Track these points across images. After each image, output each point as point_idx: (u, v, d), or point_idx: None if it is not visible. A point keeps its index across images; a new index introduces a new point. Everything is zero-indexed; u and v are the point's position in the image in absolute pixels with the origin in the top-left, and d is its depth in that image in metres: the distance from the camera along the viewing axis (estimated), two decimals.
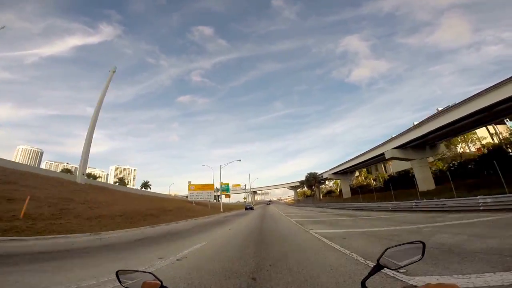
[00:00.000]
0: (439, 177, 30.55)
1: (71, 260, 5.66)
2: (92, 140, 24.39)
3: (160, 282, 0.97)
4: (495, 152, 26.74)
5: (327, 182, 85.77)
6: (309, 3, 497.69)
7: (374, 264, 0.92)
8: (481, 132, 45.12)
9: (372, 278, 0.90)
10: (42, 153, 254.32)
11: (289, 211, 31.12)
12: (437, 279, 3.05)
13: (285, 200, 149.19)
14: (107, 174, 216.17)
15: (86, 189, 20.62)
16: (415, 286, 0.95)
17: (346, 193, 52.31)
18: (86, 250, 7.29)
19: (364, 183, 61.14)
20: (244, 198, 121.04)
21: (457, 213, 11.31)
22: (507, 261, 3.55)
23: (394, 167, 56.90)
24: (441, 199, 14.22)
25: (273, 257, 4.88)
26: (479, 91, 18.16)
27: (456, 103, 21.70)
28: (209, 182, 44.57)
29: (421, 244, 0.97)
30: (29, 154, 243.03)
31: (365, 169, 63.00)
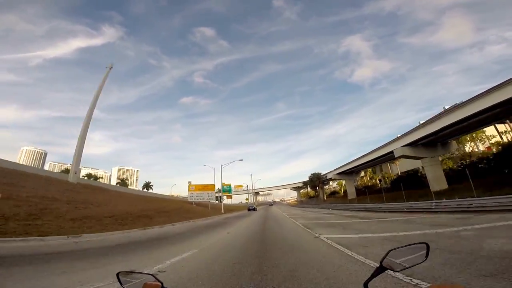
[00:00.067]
0: (450, 176, 28.91)
1: (9, 269, 4.39)
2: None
3: (160, 284, 0.97)
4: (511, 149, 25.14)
5: (330, 183, 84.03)
6: (309, 4, 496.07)
7: (377, 266, 0.90)
8: (489, 130, 43.30)
9: (375, 280, 0.85)
10: (46, 154, 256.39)
11: (293, 212, 29.67)
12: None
13: (288, 201, 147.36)
14: (110, 175, 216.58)
15: (78, 188, 19.48)
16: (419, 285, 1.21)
17: (351, 193, 50.58)
18: (49, 256, 6.06)
19: (370, 184, 59.34)
20: (246, 199, 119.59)
21: (489, 214, 9.81)
22: None
23: (401, 167, 55.09)
24: (467, 198, 12.69)
25: (278, 275, 3.54)
26: (503, 81, 16.58)
27: (475, 95, 20.07)
28: (211, 183, 43.34)
29: (425, 245, 0.95)
30: (33, 155, 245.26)
31: (370, 169, 61.22)
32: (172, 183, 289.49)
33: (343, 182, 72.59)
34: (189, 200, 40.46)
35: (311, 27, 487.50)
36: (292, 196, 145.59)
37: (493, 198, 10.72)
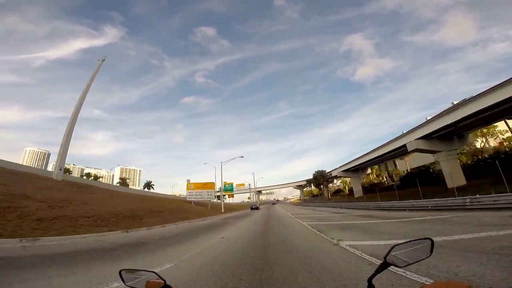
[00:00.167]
0: (464, 172, 26.70)
1: None
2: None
3: (163, 281, 0.95)
4: None
5: (334, 181, 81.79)
6: (310, 3, 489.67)
7: (381, 262, 0.89)
8: (499, 126, 40.90)
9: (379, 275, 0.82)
10: (49, 155, 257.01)
11: (298, 211, 27.70)
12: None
13: (291, 200, 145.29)
14: (113, 175, 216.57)
15: (61, 186, 17.73)
16: (425, 283, 0.85)
17: (358, 192, 48.33)
18: None
19: (376, 181, 57.09)
20: (249, 198, 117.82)
21: None
22: None
23: (411, 163, 52.78)
24: (502, 194, 10.60)
25: None
26: None
27: (500, 83, 17.86)
28: (212, 181, 41.43)
29: (429, 241, 0.93)
30: (37, 156, 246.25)
31: (377, 166, 58.94)
32: (173, 183, 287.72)
33: (348, 180, 70.50)
34: (187, 199, 38.61)
35: (312, 26, 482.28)
36: (294, 195, 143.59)
37: None
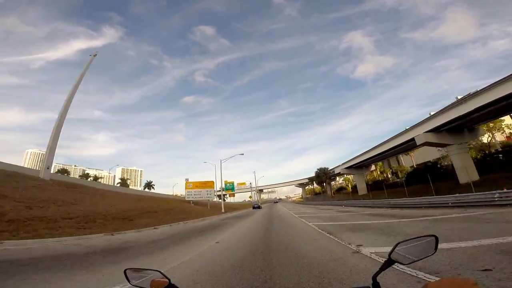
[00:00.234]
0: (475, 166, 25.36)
1: None
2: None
3: (168, 280, 0.95)
4: None
5: (337, 179, 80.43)
6: (310, 1, 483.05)
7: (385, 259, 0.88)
8: (506, 120, 39.49)
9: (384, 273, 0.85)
10: None
11: (301, 210, 26.45)
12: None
13: (293, 198, 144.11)
14: (114, 176, 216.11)
15: (47, 186, 16.59)
16: (429, 280, 0.76)
17: (362, 189, 47.00)
18: None
19: (381, 178, 55.68)
20: (250, 197, 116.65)
21: None
22: None
23: (416, 159, 51.36)
24: None
25: None
26: None
27: None
28: (213, 180, 40.24)
29: (434, 238, 0.91)
30: (38, 158, 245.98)
31: (381, 163, 57.53)
32: (175, 183, 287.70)
33: (351, 177, 69.14)
34: (186, 198, 37.43)
35: (312, 24, 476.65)
36: (296, 193, 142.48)
37: None
